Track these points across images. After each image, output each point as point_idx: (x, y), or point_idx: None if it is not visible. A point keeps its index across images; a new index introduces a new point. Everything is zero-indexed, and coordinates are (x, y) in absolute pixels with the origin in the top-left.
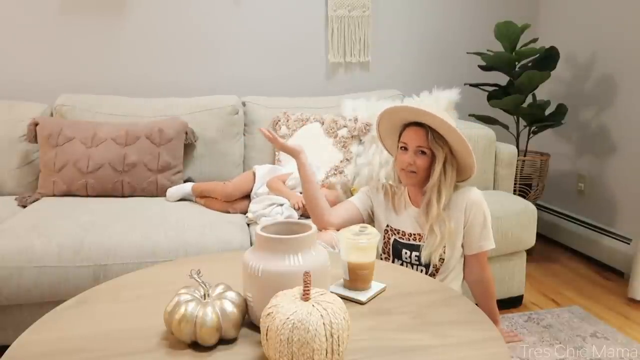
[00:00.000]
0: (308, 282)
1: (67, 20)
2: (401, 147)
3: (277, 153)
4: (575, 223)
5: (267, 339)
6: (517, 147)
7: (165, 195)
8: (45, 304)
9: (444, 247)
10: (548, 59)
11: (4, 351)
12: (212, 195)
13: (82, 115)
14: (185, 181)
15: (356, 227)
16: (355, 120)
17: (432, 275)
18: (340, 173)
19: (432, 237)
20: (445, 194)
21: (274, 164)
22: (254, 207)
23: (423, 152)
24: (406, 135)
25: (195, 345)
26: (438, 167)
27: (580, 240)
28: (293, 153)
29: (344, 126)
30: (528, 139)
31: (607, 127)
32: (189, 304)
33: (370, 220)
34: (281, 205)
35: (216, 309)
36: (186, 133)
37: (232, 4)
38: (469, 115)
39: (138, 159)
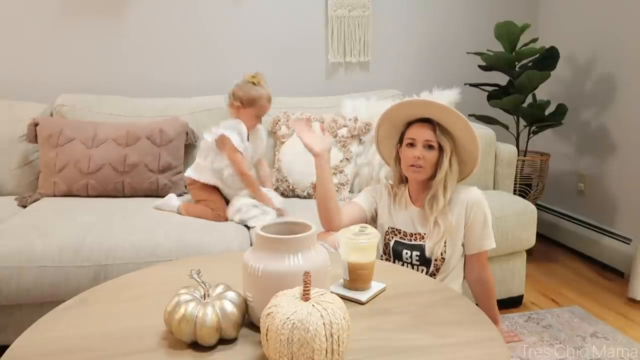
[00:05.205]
0: (308, 282)
1: (67, 20)
2: (408, 144)
3: (276, 153)
4: (575, 223)
5: (267, 339)
6: (517, 147)
7: (164, 196)
8: (45, 304)
9: (445, 245)
10: (548, 59)
11: (4, 351)
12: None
13: (82, 115)
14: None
15: (356, 227)
16: (355, 120)
17: (432, 275)
18: (340, 172)
19: (436, 230)
20: (450, 187)
21: (274, 164)
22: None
23: (431, 147)
24: (413, 131)
25: (195, 345)
26: (446, 160)
27: (580, 240)
28: (312, 152)
29: (344, 126)
30: (528, 139)
31: (607, 127)
32: (189, 304)
33: (373, 221)
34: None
35: (216, 309)
36: (187, 133)
37: (232, 4)
38: (469, 115)
39: (139, 160)
